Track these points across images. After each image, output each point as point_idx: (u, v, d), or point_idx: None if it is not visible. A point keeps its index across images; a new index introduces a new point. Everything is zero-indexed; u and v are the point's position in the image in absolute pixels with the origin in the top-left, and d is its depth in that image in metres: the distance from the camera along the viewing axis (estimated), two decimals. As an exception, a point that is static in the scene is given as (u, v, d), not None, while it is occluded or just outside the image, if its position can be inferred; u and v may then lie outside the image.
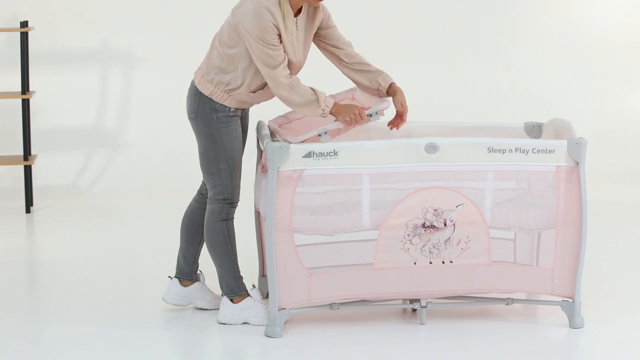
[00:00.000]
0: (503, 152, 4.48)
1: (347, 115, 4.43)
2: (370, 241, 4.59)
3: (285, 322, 4.52)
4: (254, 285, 4.70)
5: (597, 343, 4.50)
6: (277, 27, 4.36)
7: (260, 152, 4.81)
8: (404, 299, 4.68)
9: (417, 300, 4.62)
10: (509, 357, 4.34)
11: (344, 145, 4.43)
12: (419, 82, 7.86)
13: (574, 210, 4.53)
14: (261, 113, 5.02)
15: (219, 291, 4.84)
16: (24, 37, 6.95)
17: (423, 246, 4.51)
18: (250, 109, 4.70)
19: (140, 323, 4.71)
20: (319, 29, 4.59)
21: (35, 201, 7.19)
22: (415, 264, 4.53)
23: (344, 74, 4.68)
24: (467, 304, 4.68)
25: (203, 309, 4.81)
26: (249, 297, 4.64)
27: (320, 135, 4.44)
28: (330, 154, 4.42)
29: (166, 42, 7.81)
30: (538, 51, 8.13)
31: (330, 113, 4.44)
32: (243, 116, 4.70)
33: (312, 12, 4.53)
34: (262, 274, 4.95)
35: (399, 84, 4.61)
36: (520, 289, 4.63)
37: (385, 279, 4.52)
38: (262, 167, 4.66)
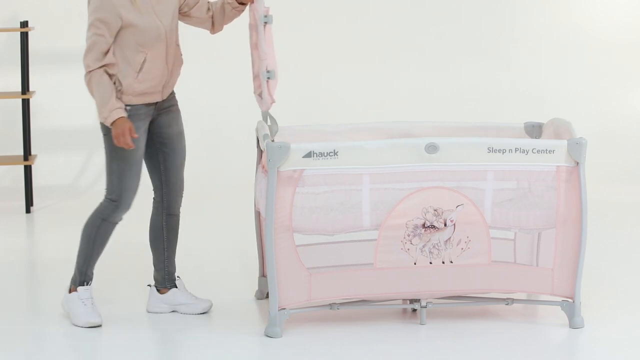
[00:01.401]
0: (503, 152, 4.48)
1: (116, 134, 4.37)
2: (370, 241, 4.59)
3: (285, 322, 4.52)
4: (149, 285, 4.77)
5: (597, 343, 4.50)
6: (118, 17, 4.38)
7: (260, 152, 4.80)
8: (404, 299, 4.68)
9: (417, 300, 4.62)
10: (509, 357, 4.34)
11: (344, 145, 4.43)
12: (419, 82, 7.85)
13: (574, 210, 4.53)
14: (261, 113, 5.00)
15: (200, 294, 4.88)
16: (24, 37, 6.94)
17: (423, 246, 4.51)
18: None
19: (139, 323, 4.71)
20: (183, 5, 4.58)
21: (35, 201, 7.18)
22: (415, 264, 4.52)
23: (215, 28, 4.68)
24: (467, 304, 4.68)
25: (187, 314, 4.81)
26: (76, 293, 4.66)
27: (269, 78, 4.43)
28: (330, 154, 4.42)
29: (166, 42, 7.79)
30: (538, 51, 8.12)
31: (110, 124, 4.40)
32: (165, 111, 4.65)
33: None
34: (262, 274, 4.95)
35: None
36: (520, 289, 4.63)
37: (386, 279, 4.52)
38: (262, 167, 4.65)
